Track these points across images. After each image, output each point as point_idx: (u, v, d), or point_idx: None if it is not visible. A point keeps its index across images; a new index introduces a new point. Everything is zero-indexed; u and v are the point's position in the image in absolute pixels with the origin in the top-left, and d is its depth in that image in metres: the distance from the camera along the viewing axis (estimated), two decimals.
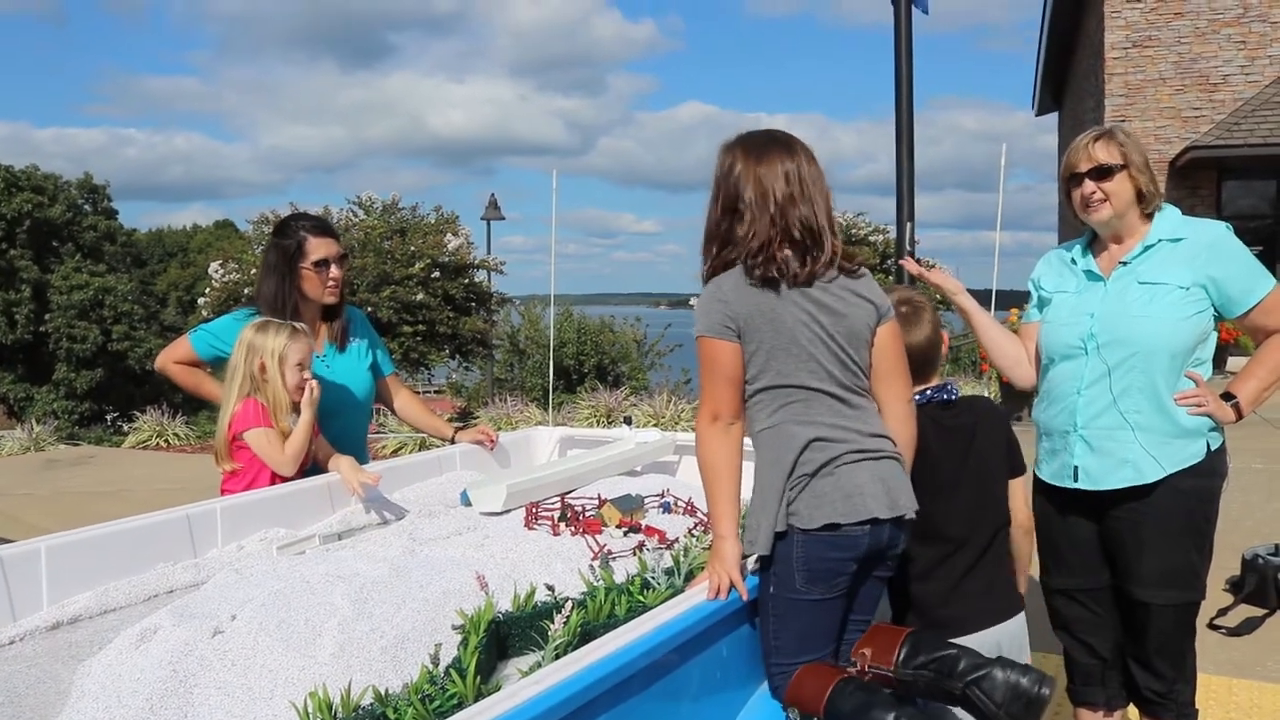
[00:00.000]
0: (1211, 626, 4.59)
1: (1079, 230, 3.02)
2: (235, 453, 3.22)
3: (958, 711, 2.29)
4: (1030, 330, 3.05)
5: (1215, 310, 2.75)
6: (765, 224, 2.34)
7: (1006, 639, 2.74)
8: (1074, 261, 2.93)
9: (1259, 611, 4.76)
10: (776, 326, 2.31)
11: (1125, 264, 2.80)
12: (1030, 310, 3.08)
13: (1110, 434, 2.76)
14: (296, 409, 3.24)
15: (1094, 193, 2.79)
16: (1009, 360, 3.07)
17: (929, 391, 2.80)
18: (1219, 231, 2.78)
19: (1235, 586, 4.99)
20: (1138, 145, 2.81)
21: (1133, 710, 3.01)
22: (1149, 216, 2.82)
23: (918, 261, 3.09)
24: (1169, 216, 2.82)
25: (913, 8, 7.62)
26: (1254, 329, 2.81)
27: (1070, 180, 2.85)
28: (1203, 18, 16.76)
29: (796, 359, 2.33)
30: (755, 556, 2.35)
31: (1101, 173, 2.77)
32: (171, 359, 3.59)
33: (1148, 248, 2.78)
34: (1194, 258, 2.73)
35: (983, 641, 2.63)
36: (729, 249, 2.39)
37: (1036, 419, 2.99)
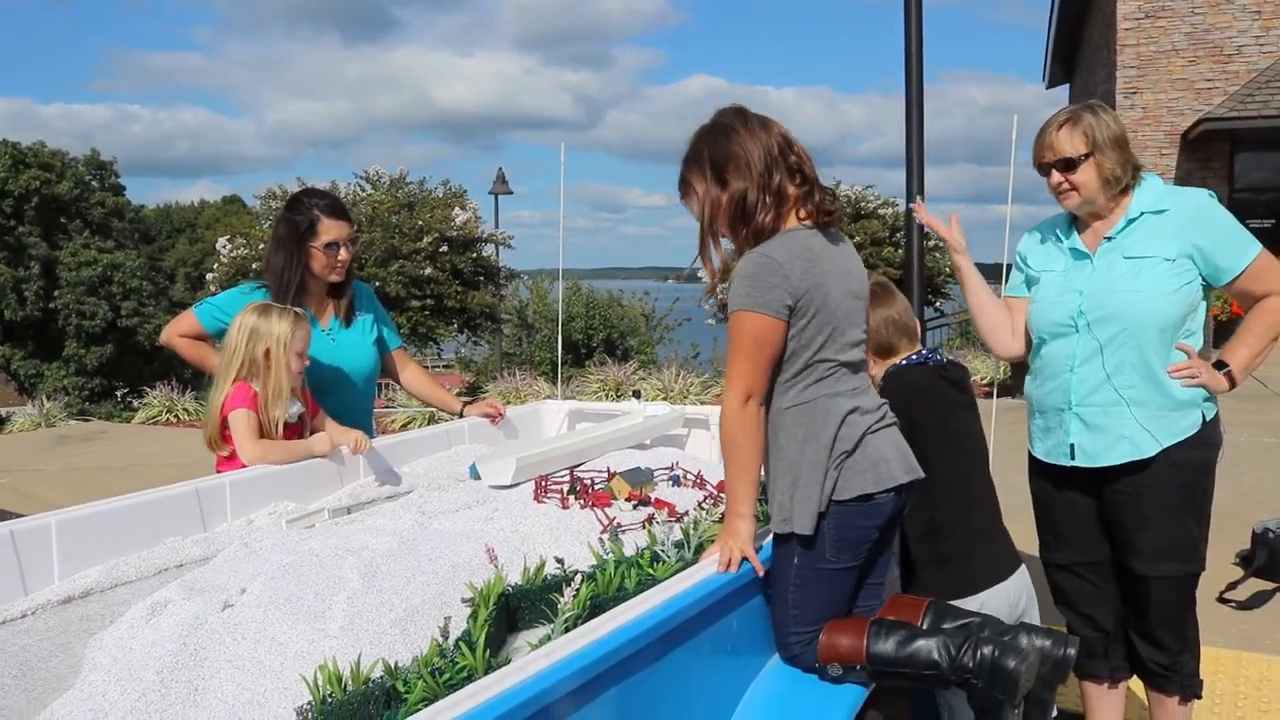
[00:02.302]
0: (1221, 600, 4.59)
1: None
2: (228, 437, 3.19)
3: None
4: (1013, 303, 3.04)
5: (1203, 279, 2.74)
6: (811, 164, 2.39)
7: (1024, 587, 2.85)
8: (1059, 239, 2.91)
9: (1269, 585, 4.75)
10: (825, 300, 2.30)
11: (1110, 239, 2.79)
12: (1014, 284, 3.06)
13: (1105, 410, 2.75)
14: (294, 395, 3.23)
15: (1061, 183, 2.79)
16: (991, 325, 3.05)
17: (924, 352, 2.88)
18: (1202, 200, 2.77)
19: (1245, 560, 4.97)
20: (1107, 124, 2.76)
21: (1136, 682, 3.01)
22: (1126, 191, 2.79)
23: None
24: (1150, 188, 2.79)
25: None
26: (1242, 295, 2.81)
27: (1039, 169, 2.86)
28: None
29: (838, 334, 2.33)
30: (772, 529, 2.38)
31: (1065, 165, 2.76)
32: (177, 332, 3.58)
33: (1130, 221, 2.77)
34: (1179, 228, 2.72)
35: (1007, 591, 2.74)
36: (782, 205, 2.34)
37: (1029, 396, 2.98)
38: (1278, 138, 15.90)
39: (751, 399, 2.28)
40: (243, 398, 3.12)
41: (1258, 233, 2.77)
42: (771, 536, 2.39)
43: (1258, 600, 4.61)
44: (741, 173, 2.33)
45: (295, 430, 3.25)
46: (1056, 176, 2.79)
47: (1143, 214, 2.76)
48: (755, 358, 2.27)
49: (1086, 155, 2.73)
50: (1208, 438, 2.77)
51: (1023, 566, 2.89)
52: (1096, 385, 2.76)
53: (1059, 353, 2.83)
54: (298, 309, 3.30)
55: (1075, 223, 2.90)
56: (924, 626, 2.34)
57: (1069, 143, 2.75)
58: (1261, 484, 6.48)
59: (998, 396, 4.82)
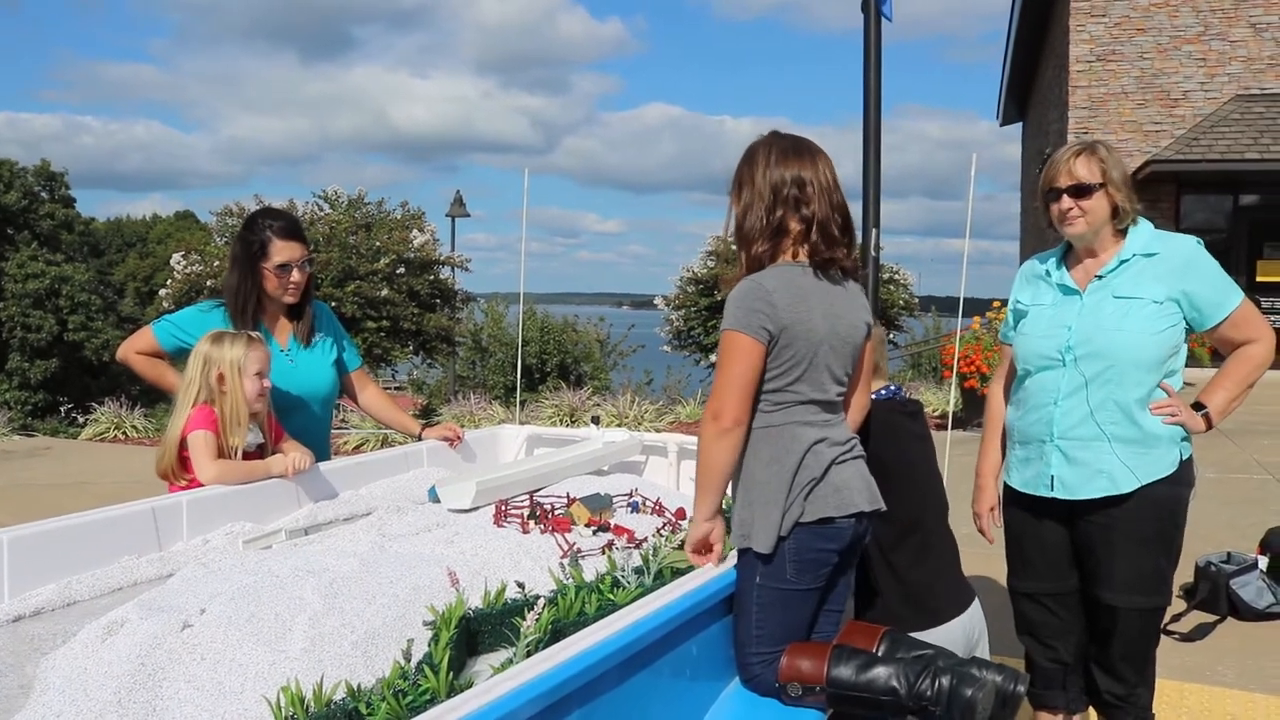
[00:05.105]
0: (1165, 632, 4.66)
1: (1042, 239, 3.08)
2: (188, 465, 3.12)
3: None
4: (1009, 351, 3.08)
5: (1186, 324, 2.81)
6: (825, 206, 2.45)
7: (978, 621, 2.90)
8: (1048, 274, 2.97)
9: (1211, 618, 4.85)
10: (808, 337, 2.38)
11: (1100, 278, 2.85)
12: (1005, 330, 3.12)
13: (1086, 444, 2.80)
14: (255, 420, 3.20)
15: (1070, 209, 2.83)
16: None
17: (891, 387, 2.93)
18: (1191, 247, 2.84)
19: (1188, 593, 5.08)
20: (1118, 162, 2.84)
21: (1091, 714, 3.06)
22: (1123, 232, 2.86)
23: None
24: (1143, 231, 2.86)
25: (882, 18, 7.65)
26: (1223, 341, 2.88)
27: (1048, 194, 2.89)
28: (1164, 34, 17.03)
29: (816, 371, 2.42)
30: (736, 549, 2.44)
31: (1079, 190, 2.81)
32: (134, 349, 3.54)
33: (1123, 262, 2.83)
34: (1168, 273, 2.78)
35: (965, 625, 2.81)
36: (780, 238, 2.45)
37: (1011, 425, 3.03)
38: (1220, 180, 16.36)
39: (724, 415, 2.35)
40: (203, 420, 3.09)
41: None
42: (736, 554, 2.45)
43: (1200, 632, 4.70)
44: (744, 197, 2.48)
45: (253, 459, 3.20)
46: (1067, 201, 2.83)
47: (1134, 256, 2.82)
48: (732, 374, 2.36)
49: (1100, 185, 2.80)
50: (1183, 477, 2.83)
51: (976, 600, 2.94)
52: (1079, 420, 2.81)
53: (1044, 385, 2.88)
54: (252, 333, 3.28)
55: (1066, 259, 2.96)
56: (879, 654, 2.38)
57: (1086, 169, 2.81)
58: (1206, 518, 6.61)
59: (951, 428, 4.89)
